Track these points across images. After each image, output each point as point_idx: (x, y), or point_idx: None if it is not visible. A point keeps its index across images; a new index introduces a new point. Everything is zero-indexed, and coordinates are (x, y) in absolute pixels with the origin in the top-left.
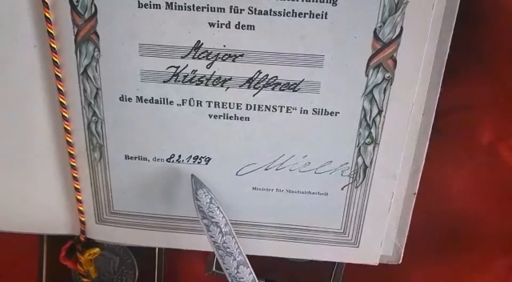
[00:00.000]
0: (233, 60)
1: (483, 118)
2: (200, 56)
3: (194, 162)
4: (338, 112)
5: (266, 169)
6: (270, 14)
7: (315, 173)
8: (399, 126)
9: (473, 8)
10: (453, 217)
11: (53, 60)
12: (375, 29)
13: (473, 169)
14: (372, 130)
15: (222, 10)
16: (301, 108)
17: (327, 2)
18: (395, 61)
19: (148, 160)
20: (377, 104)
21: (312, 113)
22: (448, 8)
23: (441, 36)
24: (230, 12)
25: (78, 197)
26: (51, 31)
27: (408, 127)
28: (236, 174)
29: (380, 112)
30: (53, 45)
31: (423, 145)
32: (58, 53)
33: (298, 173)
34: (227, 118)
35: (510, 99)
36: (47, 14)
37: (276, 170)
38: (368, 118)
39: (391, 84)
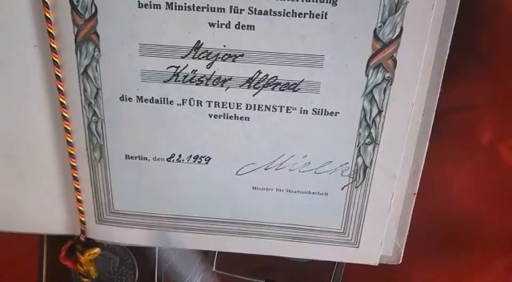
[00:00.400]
0: (233, 60)
1: (483, 118)
2: (200, 56)
3: (194, 161)
4: (338, 113)
5: (266, 169)
6: (270, 14)
7: (315, 173)
8: (399, 126)
9: (473, 8)
10: (453, 217)
11: (53, 60)
12: (375, 29)
13: (473, 169)
14: (372, 130)
15: (222, 10)
16: (301, 108)
17: (327, 2)
18: (395, 61)
19: (148, 160)
20: (377, 105)
21: (312, 113)
22: (448, 8)
23: (441, 36)
24: (230, 12)
25: (78, 197)
26: (51, 31)
27: (408, 127)
28: (236, 174)
29: (380, 112)
30: (53, 45)
31: (423, 145)
32: (58, 53)
33: (298, 172)
34: (227, 118)
35: (510, 99)
36: (47, 14)
37: (276, 169)
38: (368, 118)
39: (391, 85)
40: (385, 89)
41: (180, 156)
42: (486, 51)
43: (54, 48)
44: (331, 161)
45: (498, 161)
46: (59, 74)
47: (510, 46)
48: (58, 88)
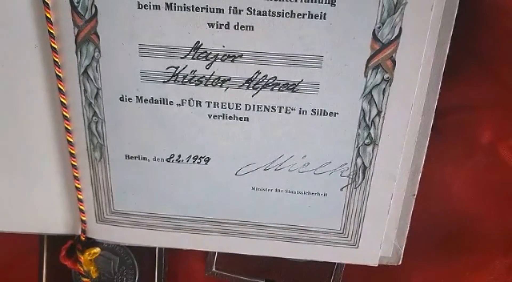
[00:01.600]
0: (232, 61)
1: (483, 118)
2: (199, 57)
3: (193, 161)
4: (337, 113)
5: (265, 169)
6: (269, 15)
7: (314, 173)
8: (398, 127)
9: (473, 8)
10: (453, 217)
11: (54, 60)
12: (374, 29)
13: (473, 169)
14: (371, 131)
15: (221, 11)
16: (300, 108)
17: (325, 2)
18: (394, 62)
19: (148, 160)
20: (376, 105)
21: (311, 114)
22: (447, 9)
23: (440, 37)
24: (229, 12)
25: (79, 196)
26: (52, 31)
27: (408, 128)
28: (236, 174)
29: (379, 113)
30: (54, 45)
31: (422, 146)
32: (58, 53)
33: (297, 173)
34: (226, 119)
35: (510, 99)
36: (48, 15)
37: (276, 170)
38: (367, 119)
39: (390, 85)
40: (384, 90)
41: (179, 156)
42: (486, 51)
43: (54, 48)
44: (330, 162)
45: (498, 161)
46: (60, 75)
47: (510, 46)
48: (59, 88)
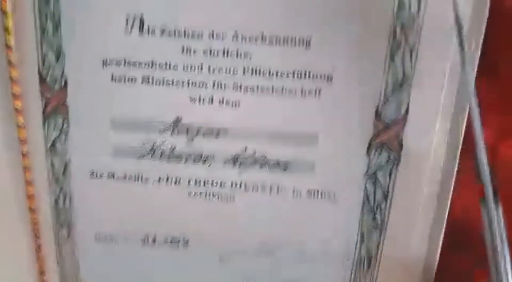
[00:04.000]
0: (216, 137)
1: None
2: (179, 132)
3: (171, 243)
4: (337, 195)
5: (253, 256)
6: (257, 91)
7: (312, 261)
8: (408, 211)
9: None
10: (453, 217)
11: (19, 136)
12: (378, 107)
13: (473, 169)
14: (377, 215)
15: (205, 85)
16: (294, 189)
17: (321, 78)
18: (401, 142)
19: (120, 241)
20: (381, 187)
21: (307, 195)
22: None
23: (454, 118)
24: (213, 87)
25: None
26: (17, 106)
27: (420, 209)
28: (219, 260)
29: (385, 196)
30: (19, 119)
31: (437, 235)
32: (24, 128)
33: (292, 263)
34: (208, 198)
35: (510, 99)
36: (15, 90)
37: (266, 256)
38: (371, 202)
39: (397, 166)
40: (390, 171)
41: (154, 237)
42: (486, 51)
43: (20, 123)
44: (329, 250)
45: (498, 160)
46: (25, 151)
47: (510, 46)
48: (24, 165)
